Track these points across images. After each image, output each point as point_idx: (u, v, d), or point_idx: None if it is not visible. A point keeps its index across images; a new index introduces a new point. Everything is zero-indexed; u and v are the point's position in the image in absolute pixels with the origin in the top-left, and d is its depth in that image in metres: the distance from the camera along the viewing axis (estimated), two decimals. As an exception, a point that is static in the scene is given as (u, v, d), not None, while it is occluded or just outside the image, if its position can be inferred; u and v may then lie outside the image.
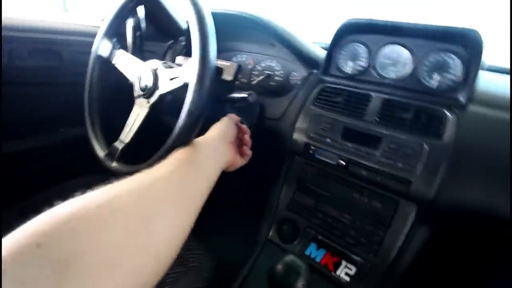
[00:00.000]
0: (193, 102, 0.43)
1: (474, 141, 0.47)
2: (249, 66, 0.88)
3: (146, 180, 0.31)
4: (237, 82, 0.89)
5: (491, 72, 0.62)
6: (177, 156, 0.39)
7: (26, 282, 0.19)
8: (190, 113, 0.44)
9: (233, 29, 0.82)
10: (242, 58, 0.90)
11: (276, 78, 0.83)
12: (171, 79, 0.53)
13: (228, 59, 0.90)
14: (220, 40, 0.94)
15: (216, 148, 0.46)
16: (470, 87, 0.49)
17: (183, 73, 0.49)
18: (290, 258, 0.34)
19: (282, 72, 0.82)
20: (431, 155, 0.47)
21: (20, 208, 0.66)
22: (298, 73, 0.78)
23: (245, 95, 0.55)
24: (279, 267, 0.33)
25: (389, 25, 0.55)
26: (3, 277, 0.18)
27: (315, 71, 0.67)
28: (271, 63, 0.84)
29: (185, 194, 0.33)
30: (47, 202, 0.66)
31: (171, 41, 0.96)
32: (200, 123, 0.47)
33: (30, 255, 0.20)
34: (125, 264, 0.24)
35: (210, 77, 0.44)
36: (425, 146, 0.48)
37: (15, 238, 0.21)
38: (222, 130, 0.51)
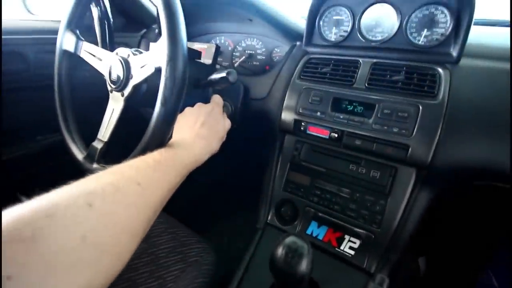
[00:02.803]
0: (166, 88, 0.40)
1: (470, 95, 0.45)
2: (230, 48, 0.84)
3: (116, 181, 0.30)
4: (218, 66, 0.85)
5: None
6: (156, 157, 0.37)
7: None
8: (165, 100, 0.40)
9: (208, 9, 0.77)
10: (221, 40, 0.85)
11: (259, 57, 0.79)
12: (142, 66, 0.48)
13: (206, 42, 0.86)
14: (196, 22, 0.89)
15: (202, 148, 0.45)
16: (463, 39, 0.46)
17: (153, 57, 0.44)
18: (290, 239, 0.31)
19: (264, 50, 0.78)
20: (426, 116, 0.45)
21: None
22: (281, 48, 0.74)
23: (224, 75, 0.51)
24: (280, 251, 0.31)
25: (370, -17, 0.51)
26: None
27: (298, 43, 0.63)
28: (252, 42, 0.80)
29: (153, 196, 0.32)
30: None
31: (144, 30, 0.91)
32: (178, 112, 0.44)
33: None
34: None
35: (182, 57, 0.40)
36: (420, 107, 0.46)
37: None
38: (211, 125, 0.49)
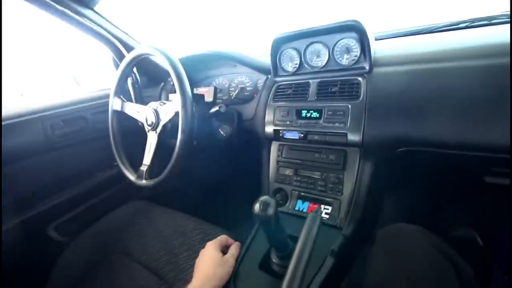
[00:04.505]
0: (183, 122, 0.66)
1: (381, 93, 0.66)
2: (226, 85, 1.11)
3: None
4: (219, 100, 1.11)
5: (378, 40, 0.82)
6: None
7: None
8: (183, 130, 0.66)
9: (206, 62, 1.06)
10: (219, 80, 1.13)
11: (248, 88, 1.05)
12: (167, 112, 0.76)
13: (209, 83, 1.13)
14: (200, 71, 1.19)
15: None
16: (369, 57, 0.68)
17: (173, 106, 0.71)
18: (263, 197, 0.53)
19: (251, 82, 1.04)
20: (354, 112, 0.67)
21: (83, 236, 0.89)
22: (262, 80, 0.99)
23: (217, 108, 0.77)
24: (257, 203, 0.52)
25: (305, 32, 0.76)
26: None
27: (269, 76, 0.88)
28: (242, 78, 1.06)
29: None
30: (101, 229, 0.91)
31: (162, 83, 1.21)
32: (192, 136, 0.69)
33: None
34: None
35: (190, 103, 0.67)
36: (349, 106, 0.68)
37: None
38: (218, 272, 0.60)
